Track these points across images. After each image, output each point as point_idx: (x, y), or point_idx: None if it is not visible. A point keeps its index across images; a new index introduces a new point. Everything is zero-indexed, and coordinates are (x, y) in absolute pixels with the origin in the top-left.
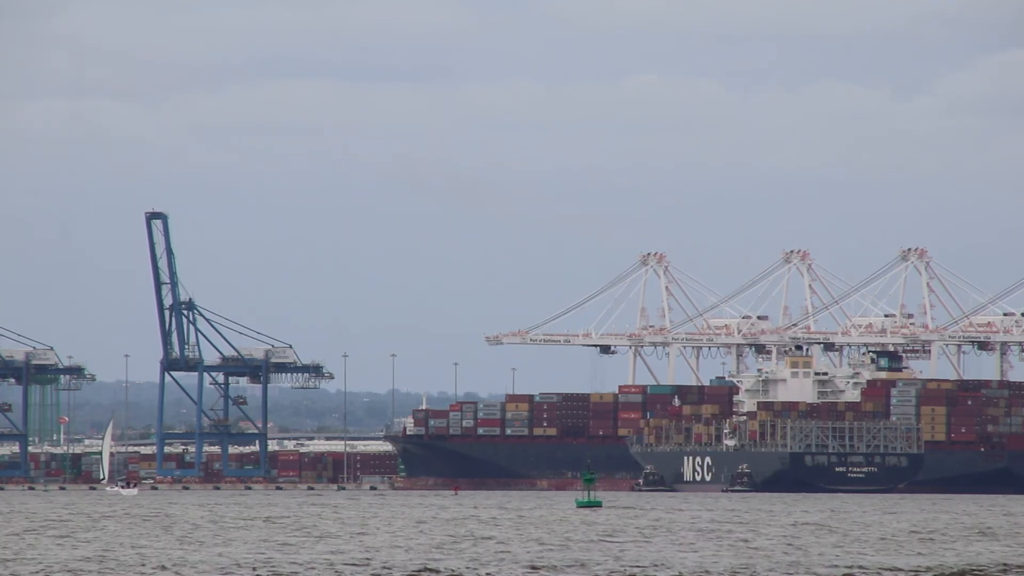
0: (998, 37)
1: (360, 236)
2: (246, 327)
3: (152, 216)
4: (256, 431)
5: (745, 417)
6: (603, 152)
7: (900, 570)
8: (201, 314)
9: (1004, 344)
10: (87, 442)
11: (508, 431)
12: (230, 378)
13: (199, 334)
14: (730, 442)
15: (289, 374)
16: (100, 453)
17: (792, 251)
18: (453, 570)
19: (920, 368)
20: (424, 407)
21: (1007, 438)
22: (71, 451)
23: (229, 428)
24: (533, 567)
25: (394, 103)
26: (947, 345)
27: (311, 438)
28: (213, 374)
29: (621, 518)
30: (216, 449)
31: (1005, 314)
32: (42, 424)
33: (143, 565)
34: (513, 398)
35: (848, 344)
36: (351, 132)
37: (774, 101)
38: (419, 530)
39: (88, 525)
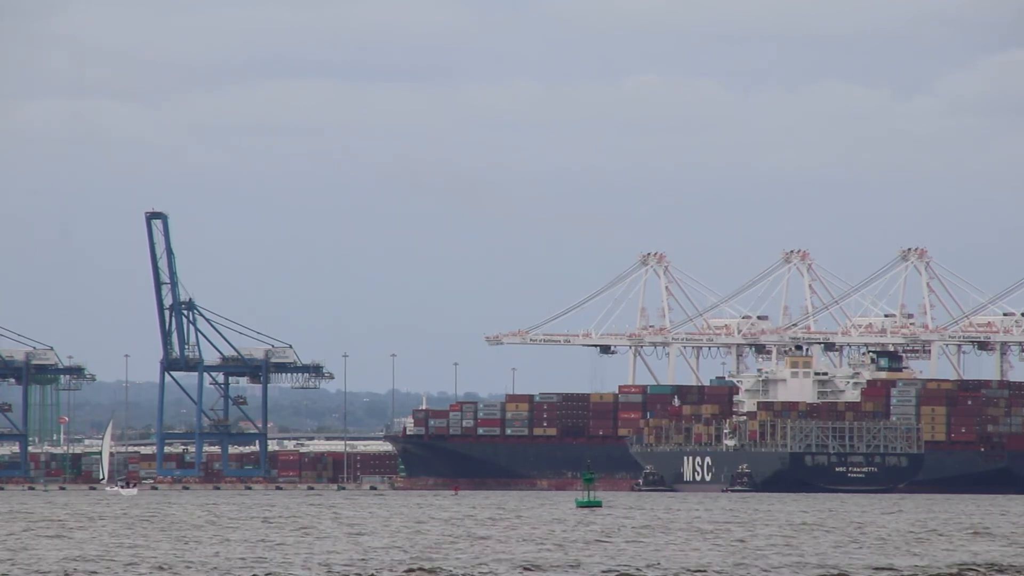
0: (998, 37)
1: (360, 236)
2: (246, 327)
3: (152, 216)
4: (256, 431)
5: (745, 417)
6: (603, 152)
7: (895, 570)
8: (201, 314)
9: (1004, 344)
10: (87, 442)
11: (508, 431)
12: (230, 378)
13: (199, 334)
14: (730, 442)
15: (289, 374)
16: (100, 453)
17: (792, 251)
18: (450, 570)
19: (920, 368)
20: (424, 407)
21: (1007, 438)
22: (71, 451)
23: (229, 428)
24: (529, 567)
25: (394, 103)
26: (947, 345)
27: (311, 438)
28: (213, 374)
29: (618, 518)
30: (216, 449)
31: (1005, 314)
32: (42, 424)
33: (134, 565)
34: (513, 398)
35: (848, 344)
36: (351, 132)
37: (774, 101)
38: (416, 530)
39: (81, 524)
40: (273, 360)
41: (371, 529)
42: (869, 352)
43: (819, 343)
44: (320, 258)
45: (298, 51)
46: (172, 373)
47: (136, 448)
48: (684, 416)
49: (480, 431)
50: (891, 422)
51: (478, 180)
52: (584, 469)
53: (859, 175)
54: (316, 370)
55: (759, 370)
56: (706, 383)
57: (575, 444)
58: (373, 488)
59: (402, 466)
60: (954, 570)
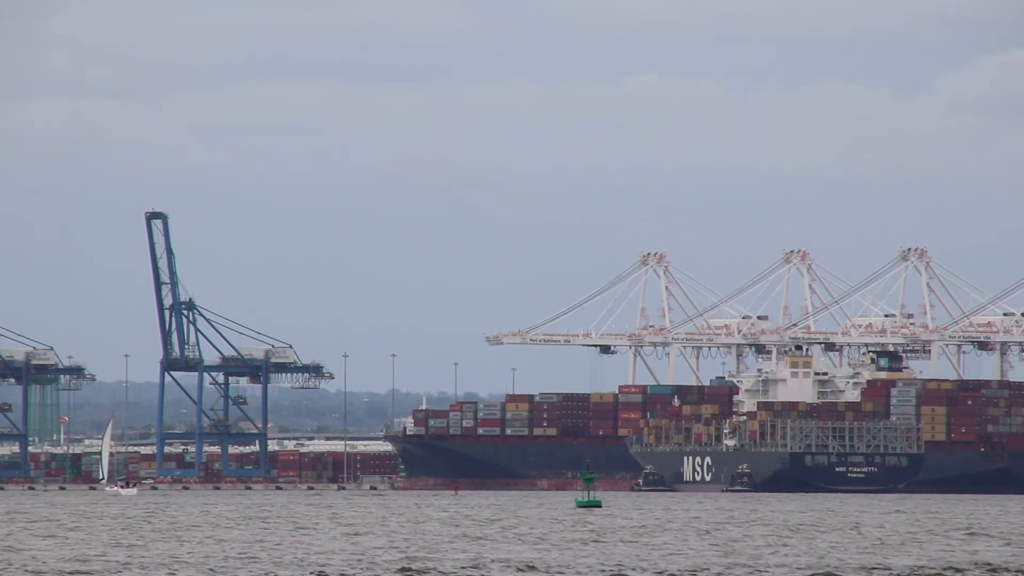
0: (998, 37)
1: (360, 236)
2: (246, 327)
3: (152, 216)
4: (256, 431)
5: (745, 417)
6: (603, 152)
7: (888, 569)
8: (201, 314)
9: (1004, 344)
10: (87, 442)
11: (508, 431)
12: (230, 378)
13: (199, 334)
14: (730, 442)
15: (289, 374)
16: (100, 453)
17: (792, 251)
18: (443, 571)
19: (920, 368)
20: (424, 407)
21: (1007, 438)
22: (71, 451)
23: (229, 428)
24: (525, 567)
25: (394, 103)
26: (947, 345)
27: (311, 438)
28: (213, 374)
29: (616, 518)
30: (216, 449)
31: (1005, 314)
32: (42, 424)
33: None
34: (513, 398)
35: (848, 344)
36: (351, 132)
37: (774, 101)
38: (414, 530)
39: (73, 524)
40: (273, 360)
41: (366, 528)
42: (869, 352)
43: (819, 343)
44: (320, 258)
45: (298, 51)
46: (172, 373)
47: (136, 448)
48: (684, 416)
49: (480, 431)
50: (891, 422)
51: (478, 180)
52: (584, 469)
53: (859, 175)
54: (316, 370)
55: (759, 370)
56: (706, 383)
57: (575, 444)
58: (373, 488)
59: (402, 466)
60: (948, 571)
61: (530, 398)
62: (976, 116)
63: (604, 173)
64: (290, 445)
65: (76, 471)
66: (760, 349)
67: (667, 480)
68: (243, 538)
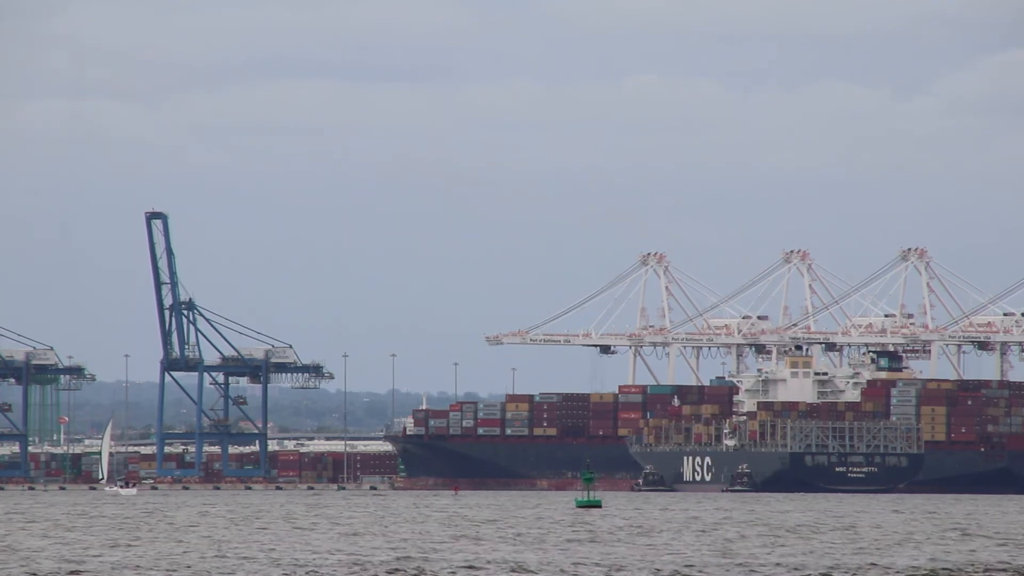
0: (998, 37)
1: (360, 236)
2: (246, 327)
3: (152, 216)
4: (256, 431)
5: (745, 417)
6: (603, 152)
7: (883, 568)
8: (201, 314)
9: (1004, 344)
10: (87, 442)
11: (508, 431)
12: (230, 378)
13: (199, 334)
14: (730, 442)
15: (289, 374)
16: (100, 453)
17: (792, 251)
18: (436, 572)
19: (920, 368)
20: (424, 407)
21: (1007, 438)
22: (71, 451)
23: (229, 428)
24: (523, 567)
25: (394, 103)
26: (947, 345)
27: (311, 438)
28: (213, 374)
29: (614, 518)
30: (216, 449)
31: (1005, 314)
32: (42, 424)
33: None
34: (513, 398)
35: (848, 344)
36: (351, 132)
37: (774, 101)
38: (413, 530)
39: (68, 524)
40: (273, 360)
41: (363, 528)
42: (869, 352)
43: (819, 343)
44: (320, 258)
45: (298, 51)
46: (172, 373)
47: (136, 448)
48: (684, 416)
49: (480, 431)
50: (891, 422)
51: (478, 180)
52: (584, 469)
53: (859, 175)
54: (316, 370)
55: (759, 370)
56: (706, 383)
57: (575, 444)
58: (373, 488)
59: (402, 466)
60: (944, 572)
61: (530, 398)
62: (976, 116)
63: (604, 173)
64: (290, 445)
65: (76, 471)
66: (760, 349)
67: (667, 480)
68: (241, 538)
